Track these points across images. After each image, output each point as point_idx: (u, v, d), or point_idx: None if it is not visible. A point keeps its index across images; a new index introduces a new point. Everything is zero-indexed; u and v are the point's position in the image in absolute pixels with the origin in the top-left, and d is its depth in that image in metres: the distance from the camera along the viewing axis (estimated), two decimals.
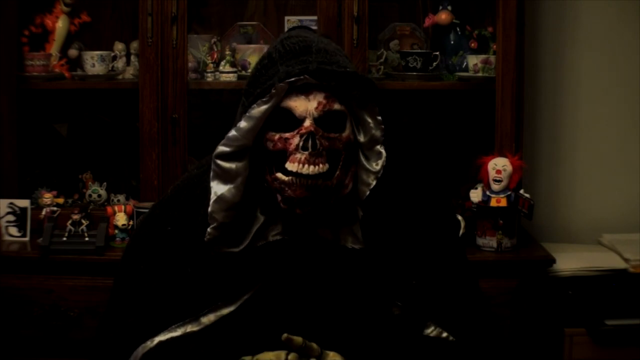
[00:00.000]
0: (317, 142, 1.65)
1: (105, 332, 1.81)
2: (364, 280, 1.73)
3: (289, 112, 1.67)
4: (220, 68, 2.99)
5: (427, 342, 1.74)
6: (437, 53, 3.03)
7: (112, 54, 3.07)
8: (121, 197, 3.09)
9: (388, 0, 3.17)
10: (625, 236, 3.12)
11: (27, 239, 2.90)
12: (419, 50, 3.06)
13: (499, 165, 2.80)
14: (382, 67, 3.06)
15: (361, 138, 1.72)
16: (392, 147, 1.73)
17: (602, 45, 3.25)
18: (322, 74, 1.66)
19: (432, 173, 3.07)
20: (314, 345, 1.64)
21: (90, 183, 3.08)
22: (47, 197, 2.92)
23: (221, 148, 1.68)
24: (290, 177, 1.66)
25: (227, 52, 3.01)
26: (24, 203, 2.92)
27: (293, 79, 1.65)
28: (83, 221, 2.81)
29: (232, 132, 1.68)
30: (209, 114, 3.16)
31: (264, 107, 1.66)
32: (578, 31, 3.24)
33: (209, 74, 3.00)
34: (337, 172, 1.69)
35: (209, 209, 1.68)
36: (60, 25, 3.07)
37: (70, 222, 2.80)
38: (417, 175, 1.85)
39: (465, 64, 3.04)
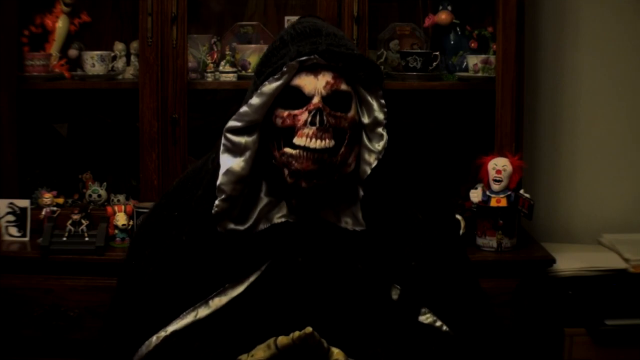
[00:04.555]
0: (325, 118, 1.72)
1: (113, 324, 1.83)
2: (364, 262, 1.77)
3: (299, 90, 1.74)
4: (220, 68, 2.99)
5: (420, 330, 1.77)
6: (437, 53, 3.03)
7: (112, 54, 3.07)
8: (121, 197, 3.09)
9: (388, 0, 3.17)
10: (625, 236, 3.12)
11: (27, 239, 2.90)
12: (419, 50, 3.06)
13: (499, 165, 2.80)
14: (382, 67, 3.06)
15: (365, 119, 1.79)
16: (392, 146, 1.78)
17: (602, 45, 3.25)
18: (330, 55, 1.73)
19: (432, 172, 3.08)
20: (324, 342, 1.67)
21: (90, 183, 3.08)
22: (47, 197, 2.92)
23: (232, 123, 1.75)
24: (298, 150, 1.72)
25: (227, 52, 3.01)
26: (24, 203, 2.92)
27: (304, 58, 1.73)
28: (83, 221, 2.81)
29: (244, 108, 1.74)
30: (209, 114, 3.16)
31: (275, 84, 1.73)
32: (578, 31, 3.24)
33: (209, 74, 3.00)
34: (342, 149, 1.75)
35: (218, 182, 1.73)
36: (60, 25, 3.07)
37: (70, 222, 2.80)
38: (416, 172, 1.89)
39: (465, 64, 3.04)
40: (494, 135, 2.91)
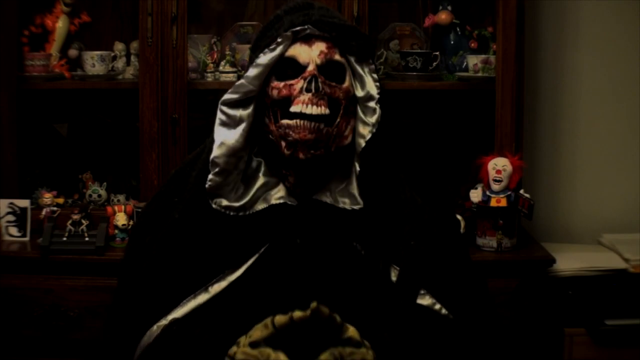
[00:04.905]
0: (320, 85, 1.75)
1: (118, 314, 1.85)
2: (363, 241, 1.79)
3: (293, 60, 1.78)
4: (220, 68, 2.99)
5: (419, 312, 1.77)
6: (437, 53, 3.03)
7: (112, 54, 3.07)
8: (121, 197, 3.09)
9: (388, 0, 3.17)
10: (625, 236, 3.12)
11: (27, 239, 2.90)
12: (419, 50, 3.06)
13: (499, 165, 2.80)
14: (382, 67, 3.06)
15: (358, 93, 1.82)
16: (386, 122, 1.81)
17: (602, 45, 3.25)
18: (323, 25, 1.78)
19: (432, 173, 3.07)
20: (337, 317, 1.65)
21: (90, 183, 3.08)
22: (47, 197, 2.92)
23: (228, 95, 1.78)
24: (295, 120, 1.75)
25: (227, 52, 3.01)
26: (24, 203, 2.92)
27: (297, 29, 1.77)
28: (83, 221, 2.81)
29: (240, 81, 1.78)
30: (209, 114, 3.16)
31: (270, 55, 1.77)
32: (578, 31, 3.24)
33: (209, 74, 3.00)
34: (338, 120, 1.78)
35: (212, 155, 1.76)
36: (60, 25, 3.07)
37: (70, 222, 2.80)
38: (415, 165, 1.91)
39: (465, 64, 3.04)
40: (494, 135, 2.91)
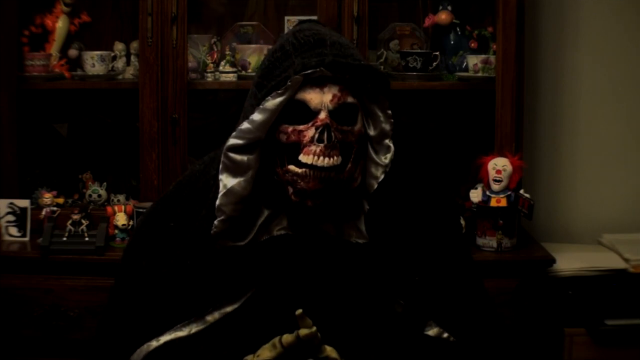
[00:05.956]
0: (332, 134, 1.65)
1: (106, 330, 1.81)
2: (367, 275, 1.73)
3: (304, 104, 1.67)
4: (220, 68, 2.99)
5: (426, 342, 1.74)
6: (437, 53, 3.03)
7: (112, 54, 3.07)
8: (121, 197, 3.09)
9: (388, 0, 3.17)
10: (625, 236, 3.12)
11: (27, 239, 2.90)
12: (419, 50, 3.06)
13: (499, 165, 2.80)
14: (382, 67, 3.06)
15: (371, 131, 1.73)
16: (397, 156, 1.74)
17: (602, 46, 3.25)
18: (337, 67, 1.66)
19: (433, 173, 3.07)
20: (319, 335, 1.64)
21: (90, 183, 3.08)
22: (47, 197, 2.92)
23: (233, 141, 1.67)
24: (304, 170, 1.66)
25: (227, 52, 3.01)
26: (24, 203, 2.92)
27: (309, 72, 1.65)
28: (83, 221, 2.81)
29: (245, 125, 1.67)
30: (209, 114, 3.16)
31: (279, 99, 1.66)
32: (578, 31, 3.24)
33: (209, 74, 3.00)
34: (349, 166, 1.69)
35: (217, 202, 1.67)
36: (60, 25, 3.07)
37: (70, 222, 2.80)
38: (421, 174, 1.85)
39: (465, 64, 3.04)
40: (494, 135, 2.91)
